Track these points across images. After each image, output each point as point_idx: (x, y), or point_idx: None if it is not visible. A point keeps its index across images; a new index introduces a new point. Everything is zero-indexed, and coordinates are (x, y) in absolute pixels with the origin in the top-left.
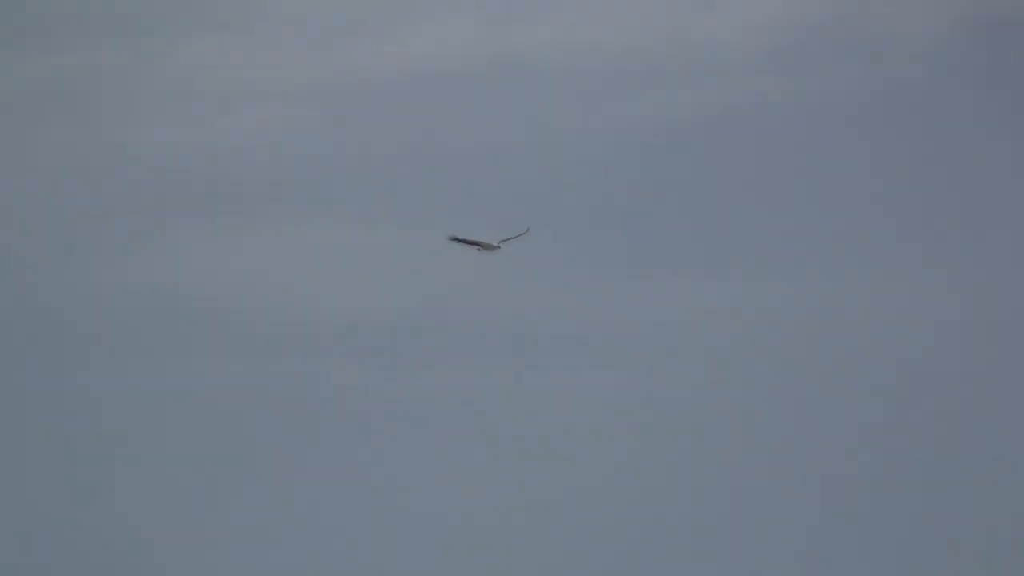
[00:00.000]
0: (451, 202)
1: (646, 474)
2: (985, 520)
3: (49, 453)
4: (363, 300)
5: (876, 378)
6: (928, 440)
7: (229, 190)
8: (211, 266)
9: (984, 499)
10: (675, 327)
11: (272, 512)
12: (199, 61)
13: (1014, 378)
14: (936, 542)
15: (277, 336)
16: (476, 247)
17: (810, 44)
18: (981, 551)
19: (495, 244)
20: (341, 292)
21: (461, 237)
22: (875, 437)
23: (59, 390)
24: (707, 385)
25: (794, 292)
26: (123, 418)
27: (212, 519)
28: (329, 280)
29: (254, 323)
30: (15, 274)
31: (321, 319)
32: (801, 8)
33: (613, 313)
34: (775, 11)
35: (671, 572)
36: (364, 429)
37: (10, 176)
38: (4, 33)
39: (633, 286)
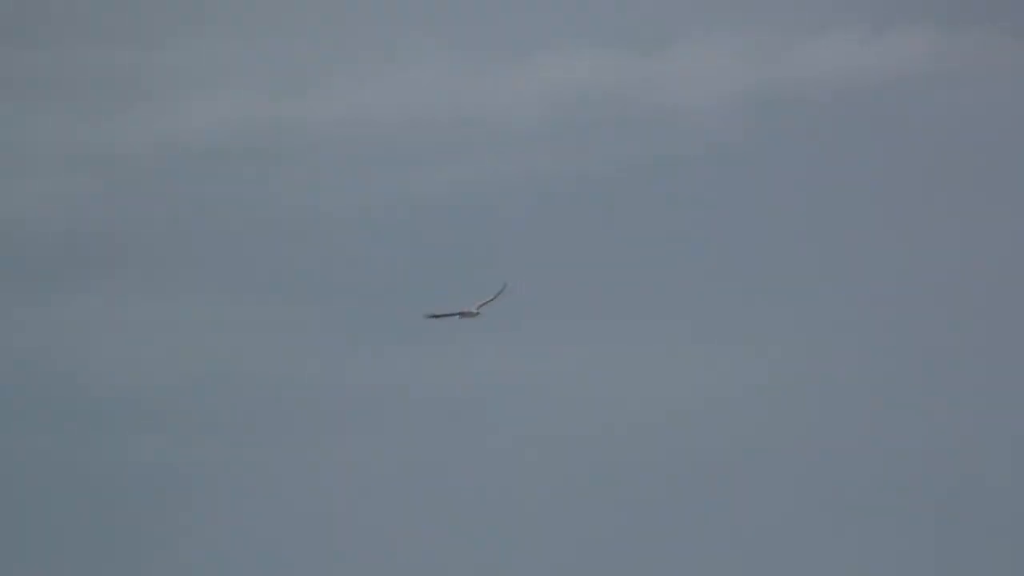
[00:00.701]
0: (228, 273)
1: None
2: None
3: None
4: (152, 369)
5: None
6: None
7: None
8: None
9: None
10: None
11: None
12: None
13: None
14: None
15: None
16: (457, 316)
17: (590, 114)
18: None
19: (474, 310)
20: (132, 361)
21: (439, 313)
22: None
23: None
24: None
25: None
26: None
27: None
28: (116, 350)
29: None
30: None
31: (112, 388)
32: (581, 79)
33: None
34: (554, 81)
35: None
36: (175, 501)
37: None
38: None
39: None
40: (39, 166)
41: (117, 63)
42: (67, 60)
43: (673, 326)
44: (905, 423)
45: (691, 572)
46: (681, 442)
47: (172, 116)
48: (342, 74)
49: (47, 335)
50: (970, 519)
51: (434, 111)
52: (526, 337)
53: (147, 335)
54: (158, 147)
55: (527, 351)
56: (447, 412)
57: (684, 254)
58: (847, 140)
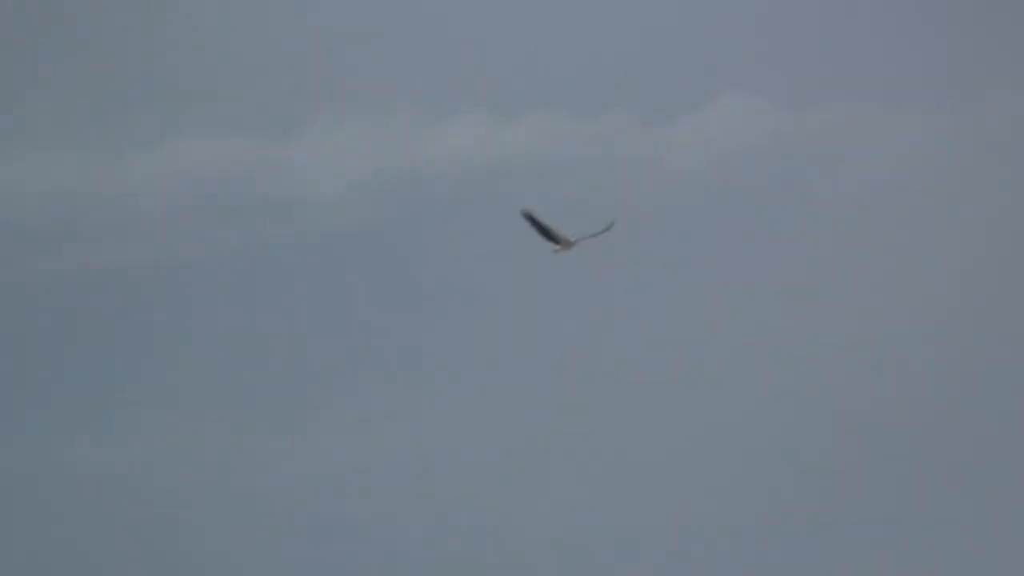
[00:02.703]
0: None
1: None
2: None
3: None
4: None
5: None
6: None
7: None
8: None
9: None
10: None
11: None
12: None
13: None
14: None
15: None
16: (553, 241)
17: (221, 198)
18: None
19: (571, 239)
20: None
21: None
22: None
23: None
24: None
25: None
26: None
27: None
28: None
29: None
30: None
31: None
32: (214, 162)
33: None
34: (180, 168)
35: None
36: None
37: None
38: None
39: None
40: None
41: None
42: None
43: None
44: None
45: None
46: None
47: None
48: None
49: None
50: None
51: (63, 195)
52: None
53: None
54: None
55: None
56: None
57: (273, 346)
58: (474, 225)
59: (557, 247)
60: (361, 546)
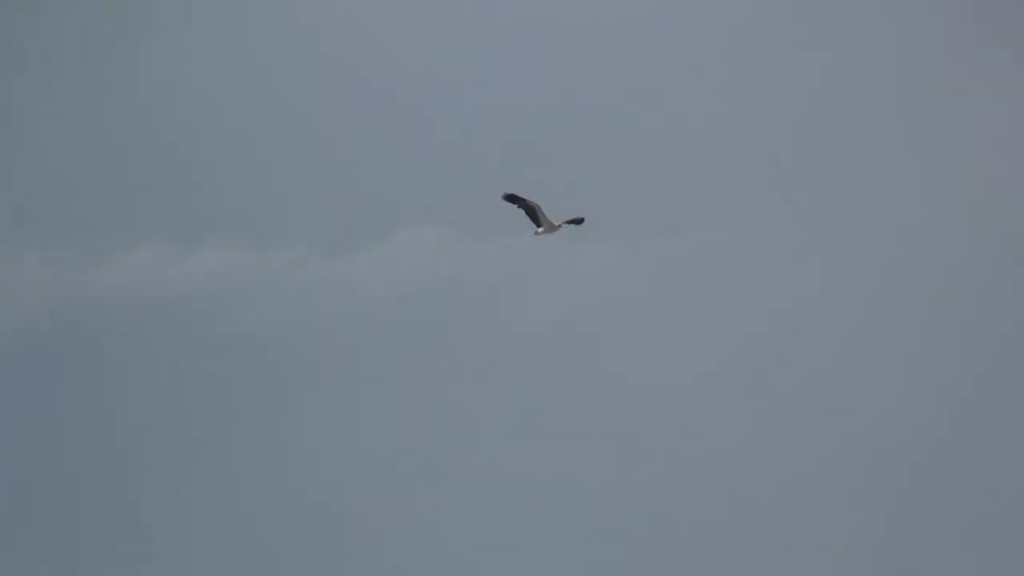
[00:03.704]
0: None
1: None
2: None
3: None
4: None
5: None
6: None
7: None
8: None
9: None
10: None
11: None
12: None
13: None
14: None
15: None
16: (536, 223)
17: None
18: None
19: (556, 224)
20: None
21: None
22: None
23: None
24: None
25: None
26: None
27: None
28: None
29: None
30: None
31: None
32: None
33: None
34: None
35: None
36: None
37: None
38: None
39: None
40: None
41: None
42: None
43: None
44: None
45: None
46: None
47: None
48: None
49: None
50: None
51: None
52: None
53: None
54: None
55: None
56: None
57: None
58: (148, 355)
59: (540, 230)
60: None
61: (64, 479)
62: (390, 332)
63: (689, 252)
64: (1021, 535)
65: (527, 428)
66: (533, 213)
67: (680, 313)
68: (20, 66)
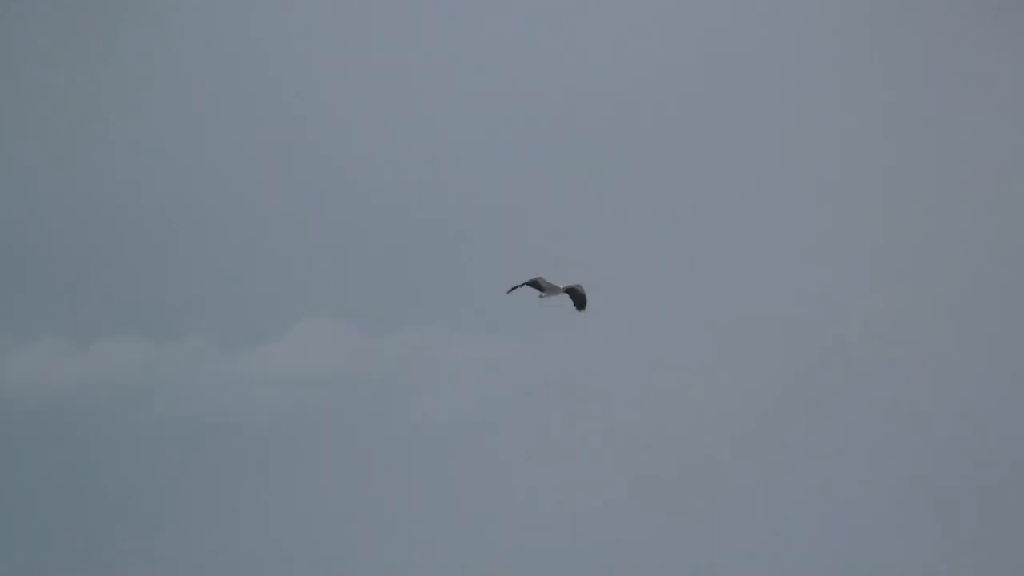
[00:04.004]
0: None
1: None
2: None
3: None
4: None
5: None
6: None
7: None
8: None
9: None
10: None
11: None
12: None
13: None
14: None
15: None
16: (538, 290)
17: None
18: None
19: (560, 287)
20: None
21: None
22: None
23: None
24: None
25: None
26: None
27: None
28: None
29: None
30: None
31: None
32: None
33: None
34: None
35: None
36: None
37: None
38: None
39: None
40: None
41: None
42: None
43: None
44: None
45: None
46: None
47: None
48: None
49: None
50: None
51: None
52: None
53: None
54: None
55: None
56: None
57: None
58: (40, 453)
59: (543, 293)
60: None
61: None
62: (288, 425)
63: (587, 344)
64: None
65: (425, 520)
66: (536, 284)
67: (577, 405)
68: None
